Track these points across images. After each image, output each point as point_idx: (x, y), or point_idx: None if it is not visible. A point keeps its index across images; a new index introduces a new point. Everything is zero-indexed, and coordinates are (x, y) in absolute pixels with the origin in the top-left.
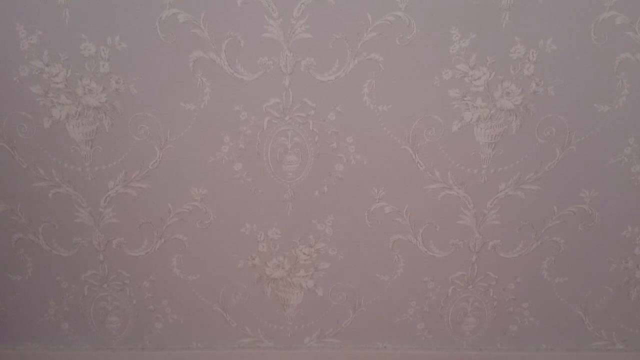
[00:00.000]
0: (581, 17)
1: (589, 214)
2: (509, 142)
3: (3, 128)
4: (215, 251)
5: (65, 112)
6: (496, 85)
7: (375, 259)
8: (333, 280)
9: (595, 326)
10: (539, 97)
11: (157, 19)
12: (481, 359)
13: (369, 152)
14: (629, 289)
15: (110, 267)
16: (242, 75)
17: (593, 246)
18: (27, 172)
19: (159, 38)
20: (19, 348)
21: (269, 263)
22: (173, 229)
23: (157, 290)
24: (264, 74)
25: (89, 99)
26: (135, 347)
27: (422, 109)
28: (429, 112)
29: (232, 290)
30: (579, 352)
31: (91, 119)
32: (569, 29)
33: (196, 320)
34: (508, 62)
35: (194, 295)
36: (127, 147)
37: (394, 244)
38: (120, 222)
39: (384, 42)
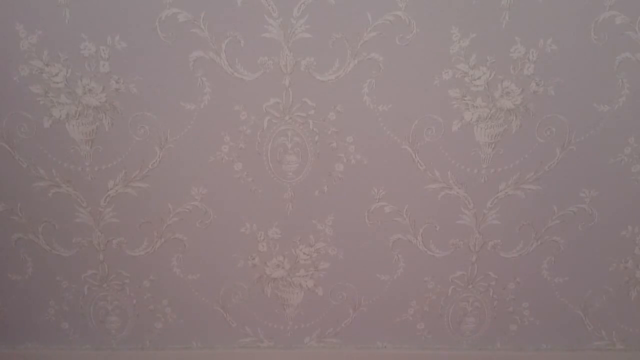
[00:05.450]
0: (581, 17)
1: (589, 214)
2: (509, 142)
3: (3, 128)
4: (215, 251)
5: (65, 112)
6: (496, 85)
7: (375, 259)
8: (333, 280)
9: (595, 326)
10: (539, 97)
11: (157, 19)
12: (481, 359)
13: (369, 152)
14: (629, 289)
15: (110, 267)
16: (242, 75)
17: (593, 246)
18: (27, 172)
19: (159, 38)
20: (19, 348)
21: (269, 263)
22: (173, 229)
23: (157, 290)
24: (264, 73)
25: (89, 98)
26: (135, 347)
27: (422, 109)
28: (429, 112)
29: (232, 290)
30: (579, 352)
31: (91, 119)
32: (569, 29)
33: (196, 320)
34: (508, 62)
35: (194, 295)
36: (127, 147)
37: (394, 244)
38: (120, 222)
39: (384, 42)
